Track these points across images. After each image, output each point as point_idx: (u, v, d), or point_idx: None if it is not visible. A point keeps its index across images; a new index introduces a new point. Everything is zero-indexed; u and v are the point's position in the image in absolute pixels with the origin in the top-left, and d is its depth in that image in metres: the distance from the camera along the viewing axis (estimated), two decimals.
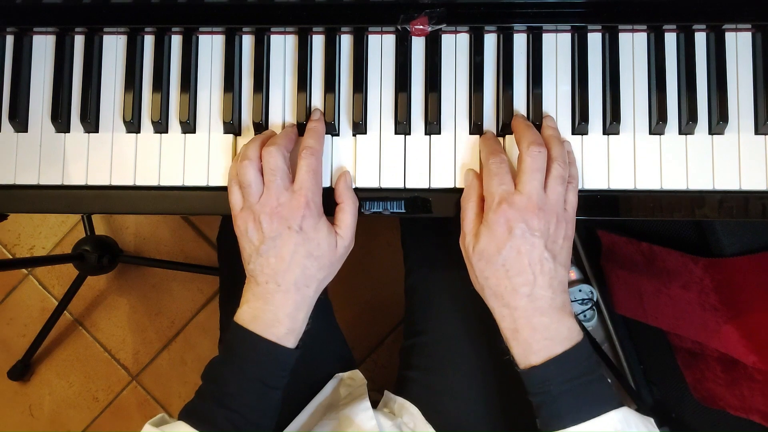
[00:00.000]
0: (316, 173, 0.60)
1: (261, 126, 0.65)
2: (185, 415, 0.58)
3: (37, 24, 0.66)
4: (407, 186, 0.64)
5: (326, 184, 0.63)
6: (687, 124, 0.62)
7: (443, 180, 0.63)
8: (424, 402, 0.74)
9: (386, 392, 0.79)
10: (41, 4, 0.65)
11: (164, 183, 0.64)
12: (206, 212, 0.66)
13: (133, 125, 0.65)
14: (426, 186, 0.64)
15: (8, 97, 0.65)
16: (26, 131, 0.65)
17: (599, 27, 0.64)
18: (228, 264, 0.86)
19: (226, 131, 0.65)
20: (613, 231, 1.12)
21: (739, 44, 0.64)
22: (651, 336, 1.19)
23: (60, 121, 0.65)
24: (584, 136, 0.64)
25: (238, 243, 0.62)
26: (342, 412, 0.70)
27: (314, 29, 0.65)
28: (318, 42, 0.65)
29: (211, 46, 0.66)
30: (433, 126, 0.64)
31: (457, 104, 0.64)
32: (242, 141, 0.65)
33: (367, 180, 0.64)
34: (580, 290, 1.33)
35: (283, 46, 0.65)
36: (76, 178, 0.65)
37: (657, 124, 0.62)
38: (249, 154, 0.60)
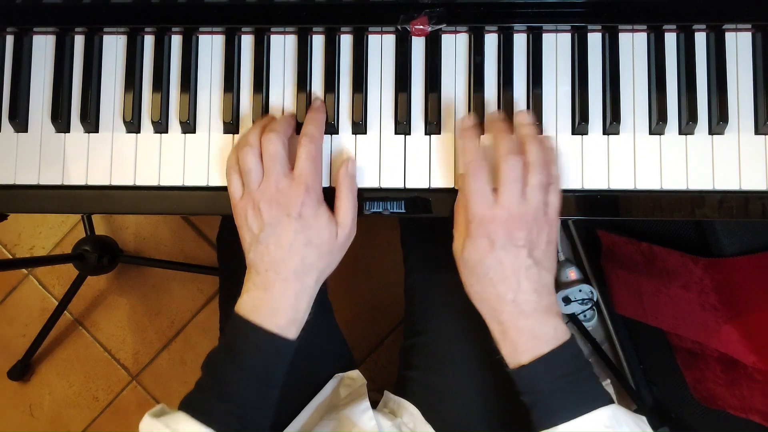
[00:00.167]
0: (315, 160, 0.60)
1: None
2: (185, 406, 0.58)
3: (37, 24, 0.66)
4: (407, 186, 0.64)
5: (325, 183, 0.63)
6: (687, 124, 0.62)
7: (443, 180, 0.63)
8: (424, 402, 0.74)
9: (386, 392, 0.79)
10: (41, 4, 0.65)
11: (164, 183, 0.64)
12: (206, 212, 0.66)
13: (133, 125, 0.65)
14: (426, 186, 0.64)
15: (8, 97, 0.65)
16: (26, 131, 0.65)
17: (599, 27, 0.64)
18: (228, 264, 0.86)
19: (226, 131, 0.65)
20: (613, 231, 1.12)
21: (739, 44, 0.64)
22: (651, 336, 1.19)
23: (60, 121, 0.65)
24: (584, 136, 0.64)
25: (239, 232, 0.61)
26: (342, 412, 0.70)
27: (314, 29, 0.65)
28: (318, 42, 0.65)
29: (211, 46, 0.66)
30: (433, 126, 0.64)
31: (457, 104, 0.64)
32: None
33: (367, 180, 0.64)
34: (580, 290, 1.33)
35: (283, 46, 0.65)
36: (76, 178, 0.65)
37: (657, 124, 0.62)
38: (249, 140, 0.60)
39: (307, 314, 0.61)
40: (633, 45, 0.64)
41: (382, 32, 0.65)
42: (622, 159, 0.63)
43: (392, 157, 0.64)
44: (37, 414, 1.48)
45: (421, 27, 0.63)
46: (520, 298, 0.57)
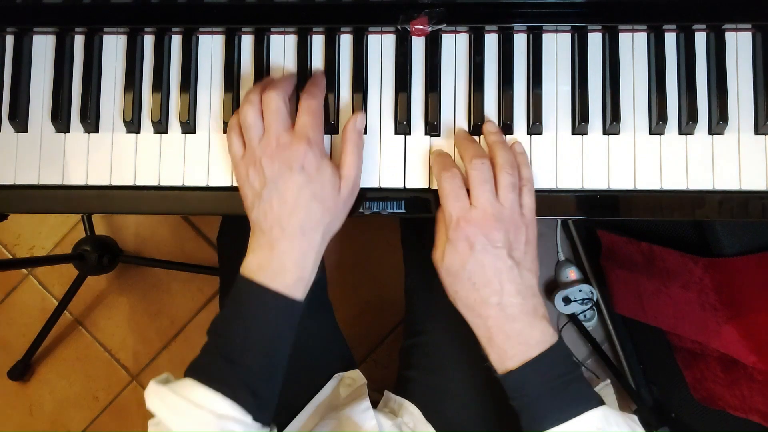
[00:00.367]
0: (316, 114, 0.60)
1: None
2: (192, 372, 0.57)
3: (37, 24, 0.66)
4: (407, 186, 0.64)
5: None
6: (687, 124, 0.62)
7: None
8: (424, 402, 0.74)
9: (386, 392, 0.79)
10: (41, 4, 0.65)
11: (164, 183, 0.64)
12: (206, 212, 0.66)
13: (133, 125, 0.65)
14: (426, 186, 0.64)
15: (8, 97, 0.65)
16: (26, 131, 0.65)
17: (599, 27, 0.64)
18: (228, 264, 0.86)
19: (226, 131, 0.65)
20: (613, 231, 1.12)
21: (739, 44, 0.64)
22: (651, 336, 1.19)
23: (60, 121, 0.65)
24: (584, 136, 0.64)
25: (240, 193, 0.60)
26: (342, 412, 0.70)
27: (314, 29, 0.65)
28: (318, 42, 0.65)
29: (211, 46, 0.66)
30: (433, 126, 0.64)
31: (457, 104, 0.64)
32: None
33: (367, 180, 0.64)
34: (580, 290, 1.33)
35: (283, 46, 0.65)
36: (76, 178, 0.65)
37: (657, 124, 0.62)
38: (250, 97, 0.60)
39: (314, 274, 0.60)
40: (633, 45, 0.64)
41: (382, 32, 0.65)
42: (622, 159, 0.63)
43: (392, 157, 0.64)
44: (37, 414, 1.48)
45: (421, 27, 0.63)
46: (505, 301, 0.57)
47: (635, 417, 0.58)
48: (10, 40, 0.66)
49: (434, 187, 0.63)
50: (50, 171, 0.65)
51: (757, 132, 0.63)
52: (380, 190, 0.64)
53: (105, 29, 0.66)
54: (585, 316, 1.37)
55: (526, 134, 0.64)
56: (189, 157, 0.65)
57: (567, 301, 1.34)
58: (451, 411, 0.73)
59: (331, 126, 0.64)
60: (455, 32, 0.65)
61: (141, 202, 0.65)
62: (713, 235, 0.83)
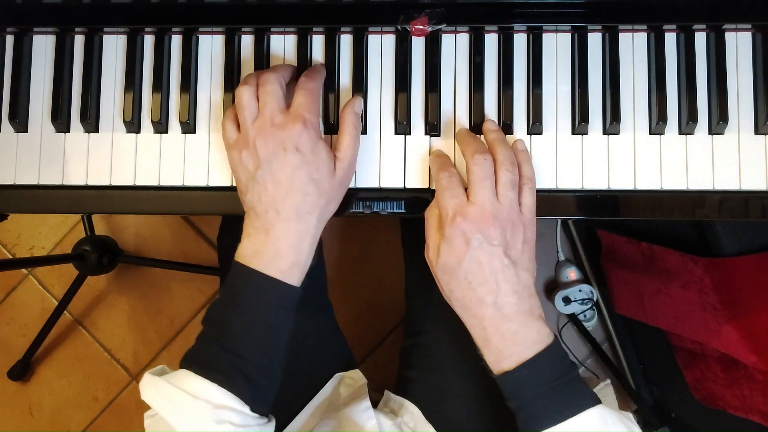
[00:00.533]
0: (313, 95, 0.59)
1: None
2: (187, 362, 0.56)
3: (37, 24, 0.66)
4: (407, 186, 0.64)
5: None
6: (687, 124, 0.62)
7: None
8: (424, 402, 0.74)
9: (386, 392, 0.79)
10: (41, 4, 0.65)
11: (164, 183, 0.64)
12: (206, 212, 0.66)
13: (133, 125, 0.65)
14: (426, 186, 0.64)
15: (8, 97, 0.65)
16: (26, 131, 0.65)
17: (599, 27, 0.64)
18: (228, 264, 0.86)
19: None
20: (613, 231, 1.12)
21: (739, 44, 0.64)
22: (651, 336, 1.19)
23: (60, 121, 0.65)
24: (584, 136, 0.64)
25: (234, 176, 0.60)
26: (342, 412, 0.70)
27: (314, 29, 0.65)
28: (318, 42, 0.65)
29: (211, 46, 0.66)
30: (433, 126, 0.64)
31: (457, 104, 0.64)
32: None
33: (366, 180, 0.64)
34: (580, 290, 1.33)
35: (283, 46, 0.65)
36: (76, 178, 0.65)
37: (657, 124, 0.62)
38: (247, 79, 0.59)
39: (310, 260, 0.59)
40: (633, 45, 0.64)
41: (382, 32, 0.65)
42: (622, 159, 0.63)
43: (392, 157, 0.64)
44: (37, 414, 1.48)
45: (421, 27, 0.63)
46: (501, 301, 0.56)
47: (631, 415, 0.58)
48: (10, 40, 0.66)
49: (434, 187, 0.63)
50: (50, 171, 0.65)
51: (757, 132, 0.63)
52: (380, 190, 0.64)
53: (105, 29, 0.66)
54: (585, 316, 1.37)
55: (526, 134, 0.64)
56: (189, 157, 0.65)
57: (567, 301, 1.34)
58: (451, 411, 0.73)
59: (330, 125, 0.64)
60: (455, 32, 0.65)
61: (141, 202, 0.65)
62: (713, 235, 0.83)
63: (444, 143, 0.64)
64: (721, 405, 1.00)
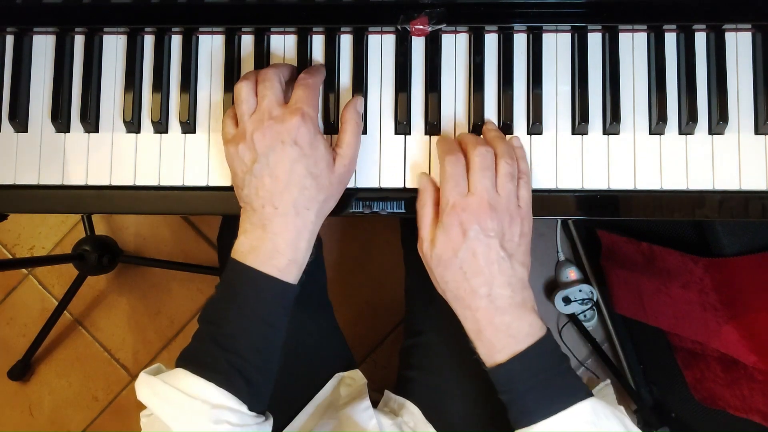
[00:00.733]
0: (312, 89, 0.59)
1: None
2: (183, 361, 0.56)
3: (37, 24, 0.66)
4: (407, 186, 0.64)
5: None
6: (687, 124, 0.62)
7: None
8: (425, 402, 0.74)
9: (386, 392, 0.79)
10: (41, 4, 0.65)
11: (164, 183, 0.64)
12: (206, 212, 0.66)
13: (133, 125, 0.65)
14: None
15: (8, 97, 0.65)
16: (26, 131, 0.65)
17: (599, 27, 0.64)
18: None
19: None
20: (613, 231, 1.12)
21: (739, 44, 0.64)
22: (651, 336, 1.19)
23: (60, 121, 0.65)
24: (584, 136, 0.64)
25: (231, 171, 0.59)
26: (342, 412, 0.70)
27: (314, 29, 0.65)
28: (318, 42, 0.65)
29: (211, 46, 0.66)
30: (433, 126, 0.64)
31: (457, 104, 0.64)
32: None
33: (367, 180, 0.64)
34: (580, 290, 1.33)
35: (283, 46, 0.65)
36: (76, 178, 0.65)
37: (657, 124, 0.62)
38: (247, 75, 0.59)
39: (308, 257, 0.59)
40: (633, 45, 0.64)
41: (382, 32, 0.65)
42: (622, 159, 0.63)
43: (392, 157, 0.64)
44: (37, 414, 1.48)
45: (421, 27, 0.63)
46: (495, 293, 0.56)
47: (623, 408, 0.58)
48: (10, 40, 0.66)
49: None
50: (50, 171, 0.65)
51: (757, 132, 0.63)
52: (380, 190, 0.64)
53: (105, 29, 0.66)
54: (585, 316, 1.37)
55: (526, 134, 0.64)
56: (189, 157, 0.65)
57: (567, 301, 1.34)
58: (451, 411, 0.73)
59: (330, 125, 0.64)
60: (455, 32, 0.65)
61: (141, 202, 0.65)
62: (713, 235, 0.83)
63: None
64: (721, 405, 1.00)
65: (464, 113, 0.64)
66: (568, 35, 0.65)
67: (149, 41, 0.66)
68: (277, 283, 0.56)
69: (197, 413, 0.53)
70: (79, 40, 0.66)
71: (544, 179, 0.63)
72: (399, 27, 0.64)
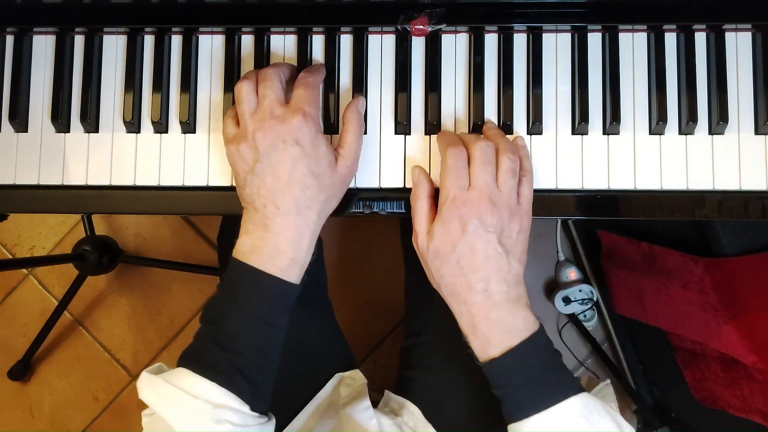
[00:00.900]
0: (313, 88, 0.59)
1: None
2: (184, 361, 0.56)
3: (37, 24, 0.66)
4: (407, 186, 0.64)
5: None
6: (687, 124, 0.62)
7: None
8: (425, 402, 0.74)
9: (386, 392, 0.79)
10: (41, 4, 0.65)
11: (164, 183, 0.64)
12: (206, 212, 0.66)
13: (133, 125, 0.65)
14: None
15: (8, 97, 0.65)
16: (26, 131, 0.65)
17: (599, 27, 0.64)
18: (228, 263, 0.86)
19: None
20: (613, 231, 1.12)
21: (739, 44, 0.64)
22: (651, 336, 1.19)
23: (60, 121, 0.65)
24: (584, 136, 0.64)
25: (232, 171, 0.59)
26: (342, 411, 0.70)
27: (314, 29, 0.65)
28: (318, 42, 0.65)
29: (211, 46, 0.66)
30: (433, 126, 0.64)
31: (457, 104, 0.64)
32: None
33: (367, 180, 0.64)
34: (580, 290, 1.33)
35: (283, 46, 0.65)
36: (76, 178, 0.65)
37: (657, 124, 0.62)
38: (248, 74, 0.60)
39: (309, 257, 0.59)
40: (633, 45, 0.64)
41: (382, 32, 0.65)
42: (622, 159, 0.63)
43: (392, 157, 0.64)
44: (37, 414, 1.48)
45: (421, 27, 0.63)
46: (491, 288, 0.56)
47: (615, 405, 0.59)
48: (10, 40, 0.66)
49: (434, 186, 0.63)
50: (50, 171, 0.65)
51: (757, 132, 0.63)
52: (380, 190, 0.64)
53: (105, 29, 0.66)
54: (585, 316, 1.37)
55: (526, 134, 0.64)
56: (189, 157, 0.65)
57: (567, 301, 1.34)
58: (451, 411, 0.73)
59: (331, 126, 0.64)
60: (455, 32, 0.65)
61: (141, 202, 0.65)
62: (713, 235, 0.83)
63: None
64: (721, 405, 1.00)
65: (464, 113, 0.64)
66: (568, 35, 0.65)
67: (149, 41, 0.66)
68: (279, 282, 0.56)
69: (199, 413, 0.53)
70: (79, 40, 0.66)
71: (544, 179, 0.63)
72: (399, 27, 0.64)
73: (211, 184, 0.64)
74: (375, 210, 0.64)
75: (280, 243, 0.56)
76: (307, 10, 0.64)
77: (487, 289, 0.57)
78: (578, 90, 0.63)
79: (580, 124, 0.63)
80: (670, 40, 0.64)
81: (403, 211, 0.64)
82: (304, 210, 0.57)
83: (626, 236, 1.06)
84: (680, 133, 0.63)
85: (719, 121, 0.62)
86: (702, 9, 0.63)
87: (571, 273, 1.36)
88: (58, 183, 0.65)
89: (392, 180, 0.64)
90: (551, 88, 0.64)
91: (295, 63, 0.65)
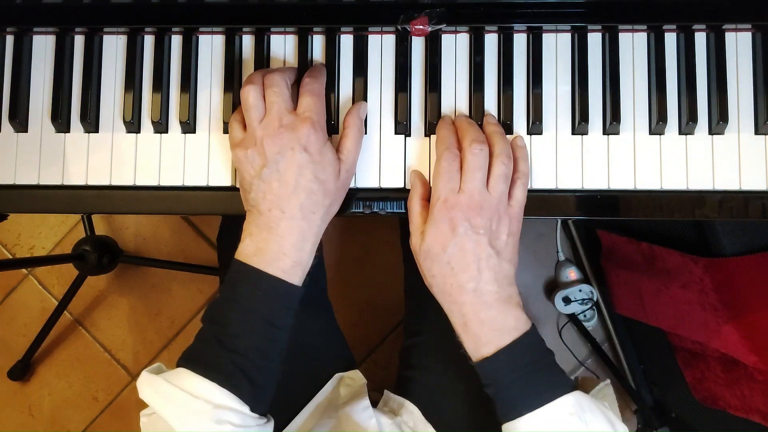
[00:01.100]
0: (319, 97, 0.60)
1: None
2: (186, 361, 0.56)
3: (37, 24, 0.66)
4: (407, 186, 0.64)
5: None
6: (687, 124, 0.62)
7: None
8: (424, 401, 0.74)
9: (386, 392, 0.79)
10: (41, 4, 0.65)
11: (164, 183, 0.64)
12: (206, 212, 0.66)
13: (133, 125, 0.65)
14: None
15: (8, 97, 0.65)
16: (26, 131, 0.65)
17: (599, 27, 0.64)
18: (228, 264, 0.86)
19: (226, 131, 0.65)
20: (613, 231, 1.12)
21: (739, 44, 0.64)
22: (651, 336, 1.19)
23: (60, 121, 0.65)
24: (584, 136, 0.64)
25: (238, 174, 0.60)
26: (342, 411, 0.70)
27: (314, 29, 0.65)
28: (318, 42, 0.65)
29: (211, 46, 0.66)
30: (433, 126, 0.64)
31: (457, 104, 0.64)
32: None
33: (367, 180, 0.64)
34: (580, 290, 1.33)
35: (283, 46, 0.65)
36: (76, 178, 0.65)
37: (657, 124, 0.62)
38: (252, 78, 0.60)
39: (311, 260, 0.59)
40: (633, 45, 0.64)
41: (382, 32, 0.65)
42: (622, 159, 0.63)
43: (392, 157, 0.64)
44: (37, 414, 1.48)
45: (421, 27, 0.63)
46: (482, 288, 0.57)
47: (606, 403, 0.59)
48: (10, 40, 0.66)
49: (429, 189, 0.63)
50: (50, 171, 0.65)
51: (757, 132, 0.63)
52: (380, 190, 0.64)
53: (105, 29, 0.66)
54: (585, 316, 1.37)
55: (526, 134, 0.64)
56: (189, 157, 0.65)
57: (567, 301, 1.34)
58: (450, 411, 0.73)
59: (331, 126, 0.64)
60: (455, 32, 0.65)
61: (141, 202, 0.65)
62: (713, 235, 0.83)
63: None
64: (721, 405, 1.00)
65: (464, 113, 0.64)
66: (568, 35, 0.65)
67: (149, 41, 0.66)
68: (282, 284, 0.57)
69: (200, 413, 0.53)
70: (79, 40, 0.66)
71: (544, 179, 0.63)
72: (399, 27, 0.64)
73: (211, 184, 0.64)
74: (375, 210, 0.64)
75: (284, 246, 0.57)
76: (307, 10, 0.64)
77: (477, 289, 0.57)
78: (578, 90, 0.63)
79: (580, 124, 0.63)
80: (670, 40, 0.64)
81: (403, 211, 0.64)
82: (308, 214, 0.58)
83: (626, 236, 1.06)
84: (680, 133, 0.63)
85: (719, 121, 0.62)
86: (702, 9, 0.63)
87: (571, 273, 1.36)
88: (58, 183, 0.65)
89: (392, 180, 0.64)
90: (551, 88, 0.64)
91: (295, 63, 0.65)
